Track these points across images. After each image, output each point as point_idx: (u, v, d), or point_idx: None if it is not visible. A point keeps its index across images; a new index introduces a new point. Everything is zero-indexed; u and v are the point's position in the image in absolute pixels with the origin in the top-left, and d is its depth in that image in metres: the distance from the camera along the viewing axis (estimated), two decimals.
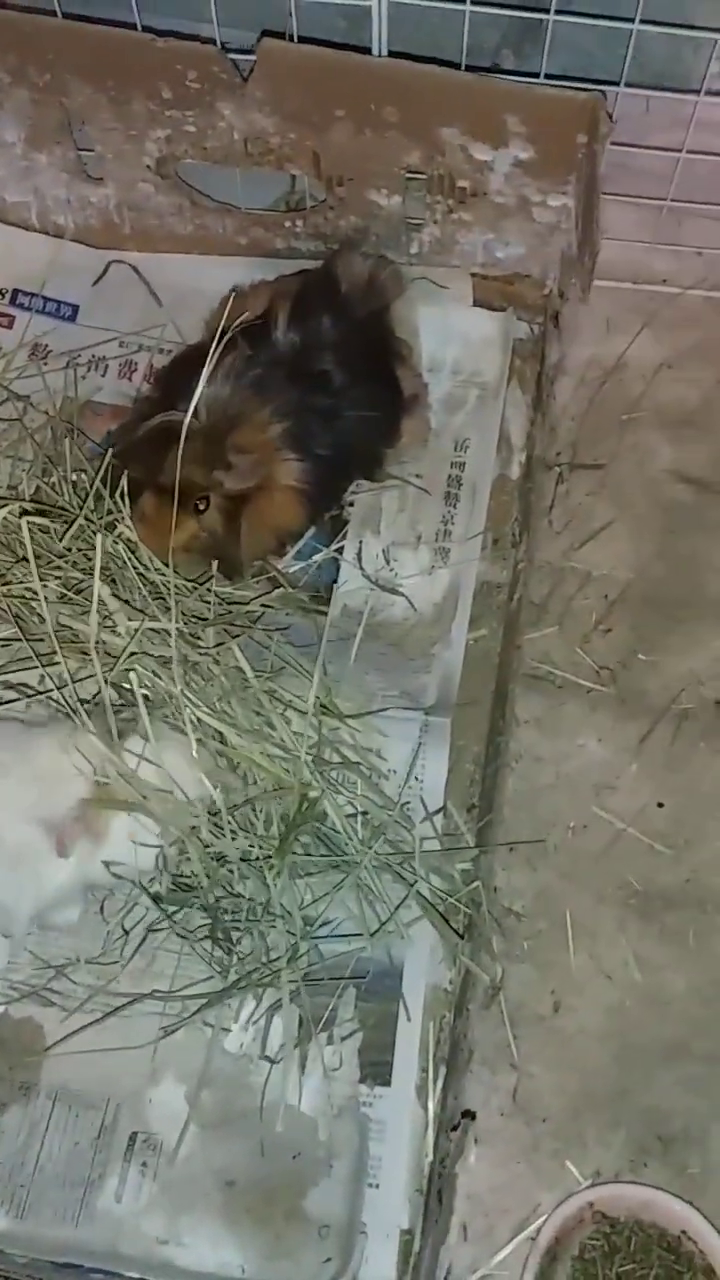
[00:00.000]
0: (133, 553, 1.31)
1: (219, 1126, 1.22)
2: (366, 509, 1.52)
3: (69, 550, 1.32)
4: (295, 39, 1.47)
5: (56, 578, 1.31)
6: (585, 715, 1.48)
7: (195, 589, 1.35)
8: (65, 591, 1.30)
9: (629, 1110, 1.30)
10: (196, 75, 1.48)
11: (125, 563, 1.30)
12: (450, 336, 1.61)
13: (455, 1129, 1.26)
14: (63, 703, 1.24)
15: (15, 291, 1.67)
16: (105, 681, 1.20)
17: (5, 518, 1.31)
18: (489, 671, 1.44)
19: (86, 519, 1.32)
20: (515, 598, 1.49)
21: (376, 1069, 1.24)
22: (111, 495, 1.33)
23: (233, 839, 1.23)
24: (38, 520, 1.31)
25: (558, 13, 1.46)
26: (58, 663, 1.23)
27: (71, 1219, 1.19)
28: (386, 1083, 1.24)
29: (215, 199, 1.64)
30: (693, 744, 1.46)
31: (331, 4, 1.47)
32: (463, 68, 1.47)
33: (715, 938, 1.37)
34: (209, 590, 1.34)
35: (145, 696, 1.21)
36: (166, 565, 1.31)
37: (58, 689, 1.24)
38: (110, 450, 1.43)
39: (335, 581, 1.47)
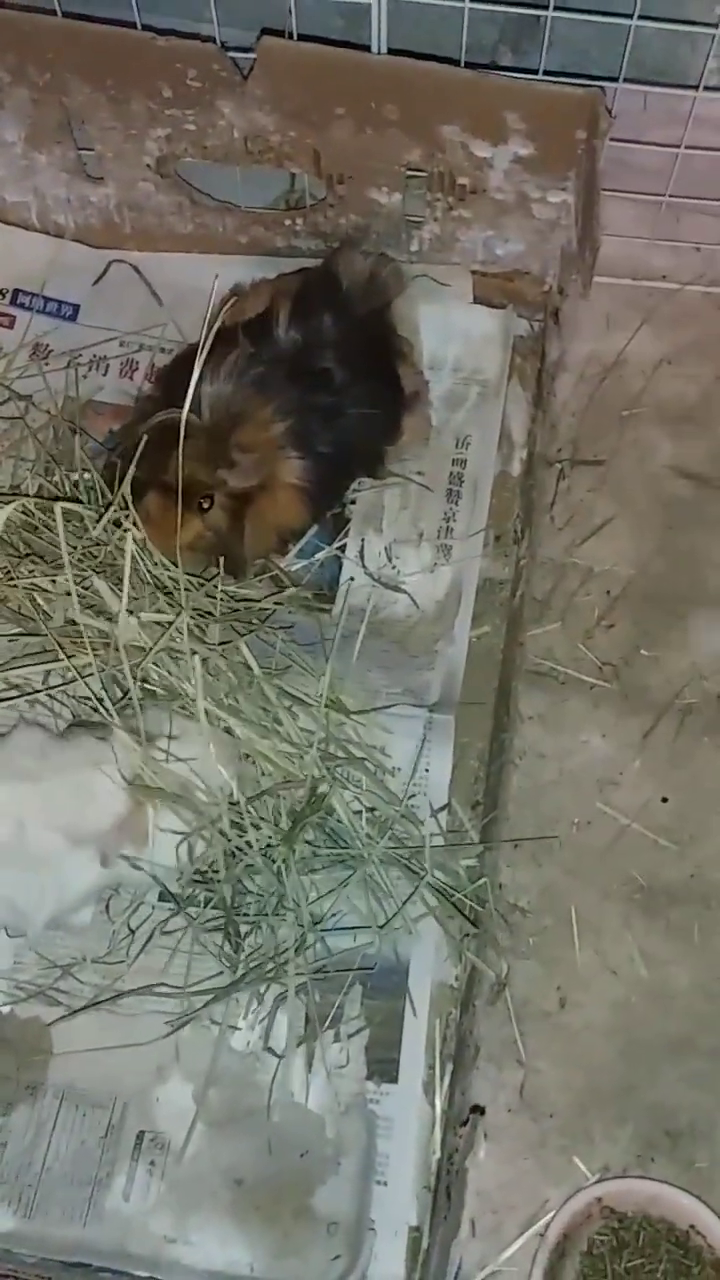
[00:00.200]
0: (143, 550, 1.31)
1: (226, 1125, 1.22)
2: (368, 507, 1.52)
3: (74, 549, 1.32)
4: (295, 37, 1.47)
5: (78, 576, 1.31)
6: (588, 711, 1.48)
7: (203, 585, 1.35)
8: (80, 589, 1.30)
9: (636, 1105, 1.30)
10: (196, 74, 1.48)
11: (136, 560, 1.31)
12: (451, 334, 1.62)
13: (464, 1124, 1.26)
14: (91, 702, 1.24)
15: (16, 291, 1.66)
16: (135, 679, 1.21)
17: (25, 511, 1.31)
18: (492, 668, 1.44)
19: (100, 513, 1.32)
20: (518, 594, 1.49)
21: (383, 1066, 1.24)
22: (117, 493, 1.33)
23: (256, 829, 1.23)
24: (70, 506, 1.30)
25: (556, 9, 1.46)
26: (69, 657, 1.23)
27: (79, 1218, 1.19)
28: (394, 1080, 1.24)
29: (215, 198, 1.63)
30: (696, 739, 1.46)
31: (330, 2, 1.47)
32: (462, 65, 1.47)
33: None
34: (216, 588, 1.34)
35: (168, 690, 1.21)
36: (174, 564, 1.31)
37: (63, 685, 1.24)
38: (114, 449, 1.43)
39: (338, 579, 1.48)
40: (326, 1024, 1.24)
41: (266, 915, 1.24)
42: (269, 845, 1.25)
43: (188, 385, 1.29)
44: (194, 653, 1.21)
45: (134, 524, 1.29)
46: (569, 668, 1.49)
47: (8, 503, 1.30)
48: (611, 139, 1.51)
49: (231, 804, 1.23)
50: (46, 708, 1.31)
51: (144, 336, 1.62)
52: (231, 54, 1.46)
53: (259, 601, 1.40)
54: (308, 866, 1.26)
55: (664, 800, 1.44)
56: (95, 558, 1.31)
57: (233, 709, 1.25)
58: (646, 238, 1.71)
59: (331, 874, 1.26)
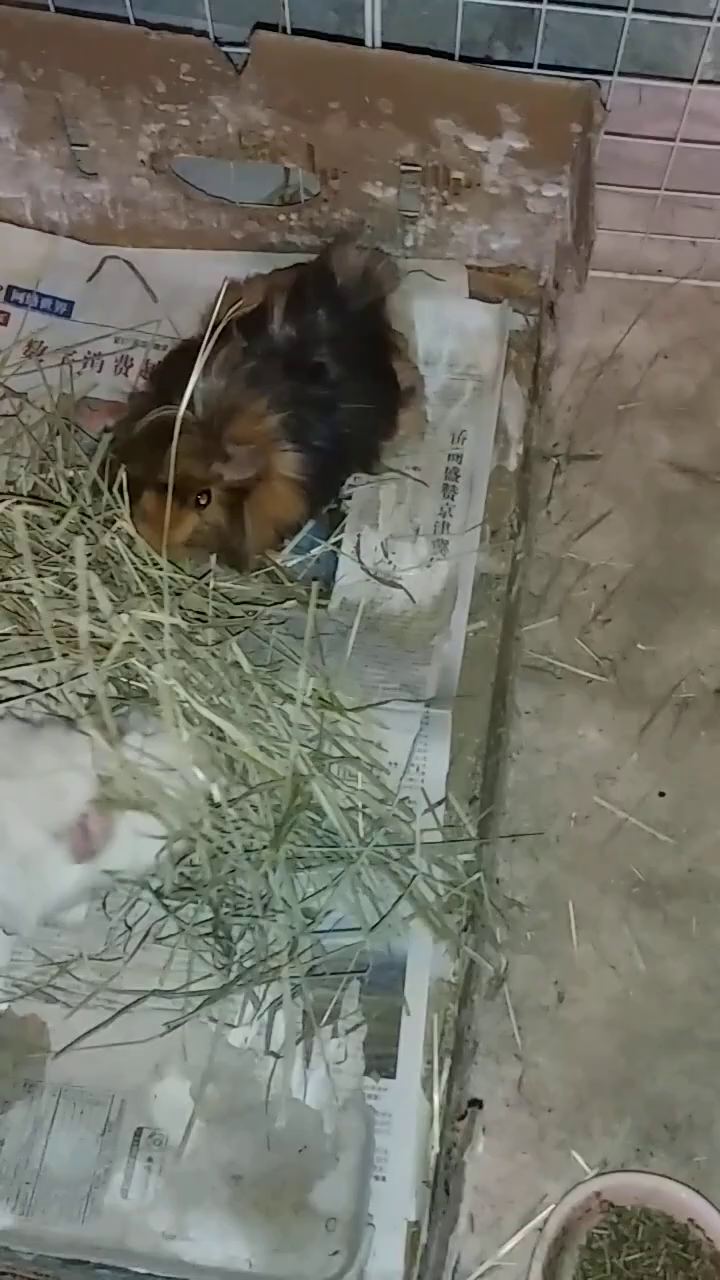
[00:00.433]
0: (130, 547, 1.31)
1: (224, 1121, 1.22)
2: (364, 502, 1.52)
3: (66, 545, 1.31)
4: (289, 31, 1.46)
5: (54, 573, 1.30)
6: (585, 706, 1.48)
7: (194, 583, 1.34)
8: (61, 588, 1.30)
9: (634, 1099, 1.30)
10: (190, 69, 1.47)
11: (122, 558, 1.30)
12: (446, 328, 1.61)
13: (462, 1118, 1.26)
14: (61, 701, 1.23)
15: (10, 288, 1.66)
16: (101, 674, 1.19)
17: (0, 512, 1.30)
18: (489, 663, 1.44)
19: (82, 512, 1.32)
20: (514, 589, 1.49)
21: (381, 1061, 1.24)
22: (110, 491, 1.33)
23: (239, 830, 1.22)
24: (33, 511, 1.31)
25: (550, 3, 1.45)
26: (52, 659, 1.22)
27: (78, 1215, 1.19)
28: (391, 1075, 1.24)
29: (210, 193, 1.63)
30: (693, 733, 1.46)
31: None
32: (456, 59, 1.47)
33: (718, 926, 1.38)
34: (207, 585, 1.34)
35: (143, 690, 1.21)
36: (170, 561, 1.31)
37: (58, 685, 1.23)
38: (108, 447, 1.43)
39: (334, 575, 1.47)
40: (324, 1020, 1.23)
41: (257, 916, 1.23)
42: (250, 848, 1.23)
43: (181, 381, 1.29)
44: (162, 650, 1.19)
45: (126, 520, 1.29)
46: (566, 662, 1.49)
47: None
48: (606, 133, 1.51)
49: (214, 806, 1.22)
50: (42, 705, 1.31)
51: (139, 333, 1.62)
52: (225, 49, 1.46)
53: (252, 601, 1.39)
54: (296, 866, 1.25)
55: (661, 794, 1.44)
56: (87, 555, 1.30)
57: (220, 707, 1.24)
58: (642, 232, 1.71)
59: (326, 871, 1.25)
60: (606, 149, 1.54)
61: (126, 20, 1.47)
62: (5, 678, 1.28)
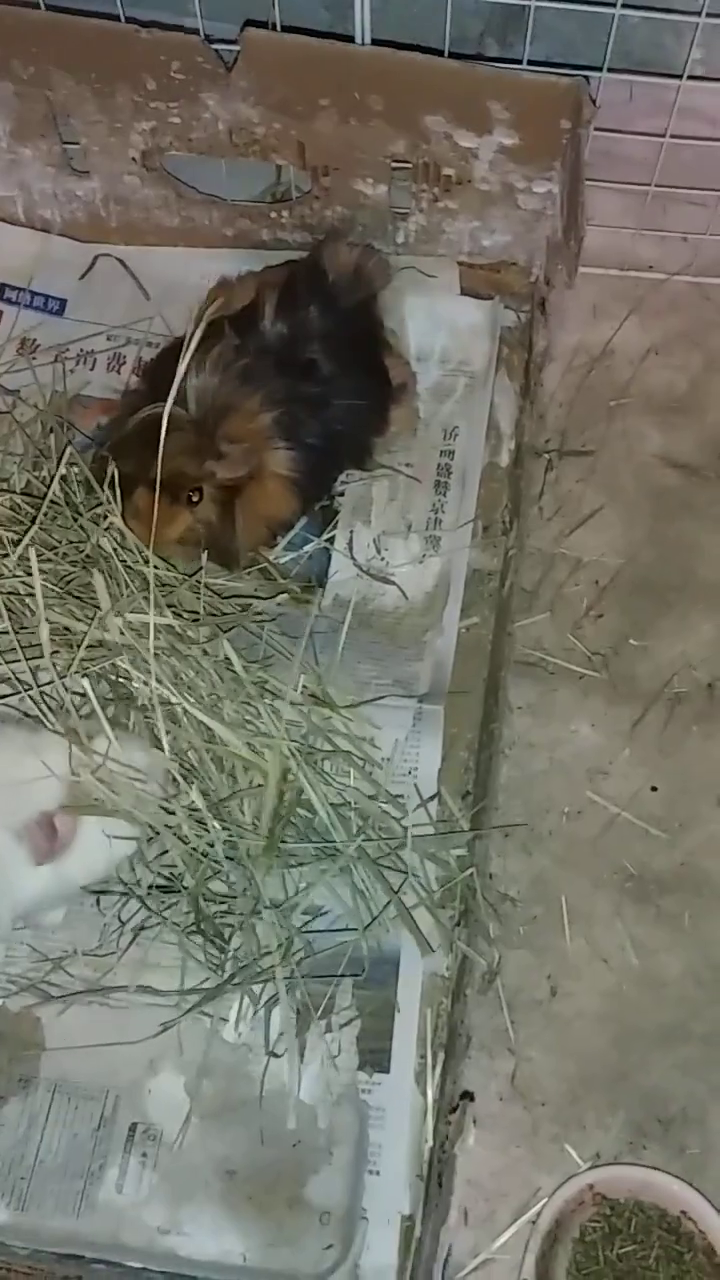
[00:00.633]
0: (120, 545, 1.31)
1: (219, 1116, 1.22)
2: (357, 499, 1.52)
3: (59, 542, 1.32)
4: (279, 29, 1.46)
5: (43, 571, 1.30)
6: (578, 701, 1.48)
7: (184, 580, 1.34)
8: (52, 585, 1.30)
9: (627, 1093, 1.30)
10: (180, 66, 1.47)
11: (111, 555, 1.30)
12: (438, 325, 1.62)
13: (454, 1110, 1.26)
14: (34, 702, 1.23)
15: (3, 286, 1.66)
16: (61, 678, 1.19)
17: (12, 507, 1.30)
18: (481, 659, 1.44)
19: (75, 510, 1.32)
20: (506, 585, 1.49)
21: (375, 1056, 1.24)
22: (102, 488, 1.33)
23: (222, 830, 1.22)
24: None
25: None
26: (18, 660, 1.22)
27: (73, 1210, 1.19)
28: (385, 1069, 1.24)
29: (201, 191, 1.63)
30: (685, 728, 1.47)
31: None
32: (446, 56, 1.47)
33: (711, 920, 1.38)
34: (199, 583, 1.34)
35: (126, 694, 1.20)
36: (164, 559, 1.31)
37: (28, 690, 1.23)
38: (101, 445, 1.43)
39: (327, 572, 1.48)
40: (318, 1015, 1.24)
41: (246, 916, 1.23)
42: (236, 848, 1.23)
43: (173, 379, 1.29)
44: (151, 651, 1.19)
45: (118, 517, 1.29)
46: (558, 658, 1.49)
47: None
48: (597, 129, 1.51)
49: (192, 810, 1.22)
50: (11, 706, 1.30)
51: (131, 330, 1.63)
52: (215, 46, 1.46)
53: (244, 598, 1.40)
54: (288, 863, 1.25)
55: (654, 789, 1.44)
56: (79, 552, 1.31)
57: (212, 707, 1.24)
58: (633, 228, 1.71)
59: (316, 868, 1.26)
60: (597, 145, 1.54)
61: (117, 18, 1.47)
62: None
